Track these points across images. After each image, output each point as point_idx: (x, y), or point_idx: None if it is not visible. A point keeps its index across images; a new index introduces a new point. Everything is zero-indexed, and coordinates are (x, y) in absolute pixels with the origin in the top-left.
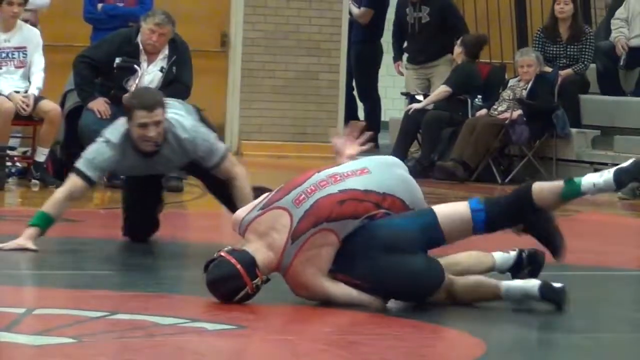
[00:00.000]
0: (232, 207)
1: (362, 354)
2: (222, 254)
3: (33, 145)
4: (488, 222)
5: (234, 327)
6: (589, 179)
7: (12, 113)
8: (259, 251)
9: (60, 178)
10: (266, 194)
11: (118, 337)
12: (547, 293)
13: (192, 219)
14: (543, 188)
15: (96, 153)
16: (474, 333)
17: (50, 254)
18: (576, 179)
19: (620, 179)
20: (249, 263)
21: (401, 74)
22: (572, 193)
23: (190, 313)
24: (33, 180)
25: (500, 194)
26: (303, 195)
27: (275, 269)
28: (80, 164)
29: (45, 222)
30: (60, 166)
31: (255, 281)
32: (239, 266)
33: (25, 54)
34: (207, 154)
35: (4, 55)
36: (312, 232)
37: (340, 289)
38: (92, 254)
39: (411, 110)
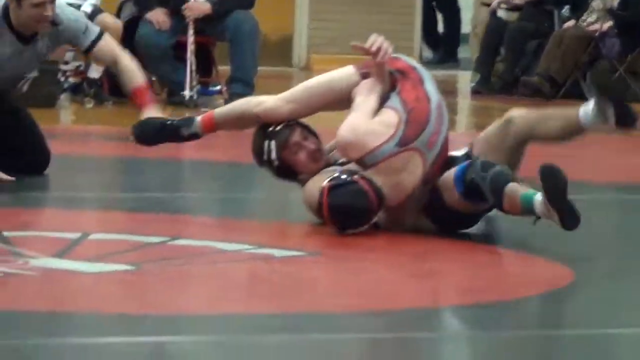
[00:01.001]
0: None
1: (443, 283)
2: (361, 181)
3: (86, 60)
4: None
5: (304, 253)
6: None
7: None
8: (384, 187)
9: (116, 94)
10: (383, 115)
11: (179, 264)
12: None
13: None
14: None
15: None
16: (561, 261)
17: (106, 175)
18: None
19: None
20: (382, 199)
21: None
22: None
23: (257, 238)
24: (86, 98)
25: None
26: (434, 137)
27: (389, 206)
28: None
29: None
30: (117, 81)
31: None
32: (375, 202)
33: None
34: (79, 34)
35: None
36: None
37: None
38: (152, 175)
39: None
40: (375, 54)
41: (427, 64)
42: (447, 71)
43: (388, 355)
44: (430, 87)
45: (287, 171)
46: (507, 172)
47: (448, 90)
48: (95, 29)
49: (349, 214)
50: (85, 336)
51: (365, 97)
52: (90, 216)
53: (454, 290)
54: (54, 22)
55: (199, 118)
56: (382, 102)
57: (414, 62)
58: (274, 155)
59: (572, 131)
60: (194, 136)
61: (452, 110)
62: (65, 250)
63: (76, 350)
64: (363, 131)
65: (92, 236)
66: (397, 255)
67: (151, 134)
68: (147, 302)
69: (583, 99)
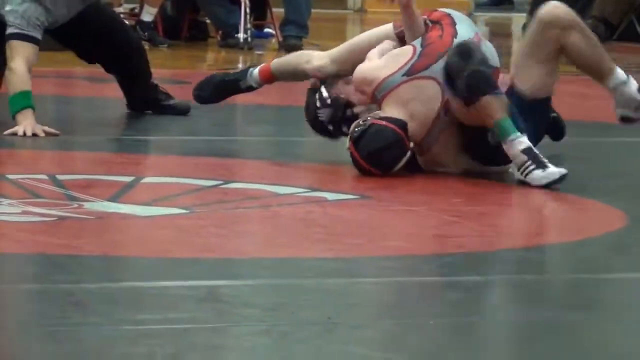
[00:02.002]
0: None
1: (494, 225)
2: (373, 121)
3: (141, 3)
4: None
5: (357, 197)
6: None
7: None
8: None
9: (172, 37)
10: (392, 47)
11: (232, 207)
12: None
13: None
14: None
15: (26, 11)
16: (615, 205)
17: (158, 118)
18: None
19: None
20: (404, 127)
21: None
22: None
23: (310, 182)
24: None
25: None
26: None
27: (416, 140)
28: (18, 29)
29: (32, 100)
30: (172, 24)
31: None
32: (399, 130)
33: None
34: None
35: None
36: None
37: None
38: (204, 118)
39: None
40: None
41: (482, 6)
42: (502, 13)
43: (439, 299)
44: (463, 28)
45: (340, 108)
46: (486, 74)
47: (503, 32)
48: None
49: (382, 154)
50: (139, 280)
51: (407, 24)
52: (144, 160)
53: (504, 233)
54: None
55: (256, 70)
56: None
57: (450, 11)
58: (325, 94)
59: (596, 79)
60: (251, 88)
61: (507, 52)
62: (119, 193)
63: (130, 293)
64: (370, 67)
65: (146, 180)
66: (448, 197)
67: (210, 91)
68: (200, 245)
69: (638, 41)
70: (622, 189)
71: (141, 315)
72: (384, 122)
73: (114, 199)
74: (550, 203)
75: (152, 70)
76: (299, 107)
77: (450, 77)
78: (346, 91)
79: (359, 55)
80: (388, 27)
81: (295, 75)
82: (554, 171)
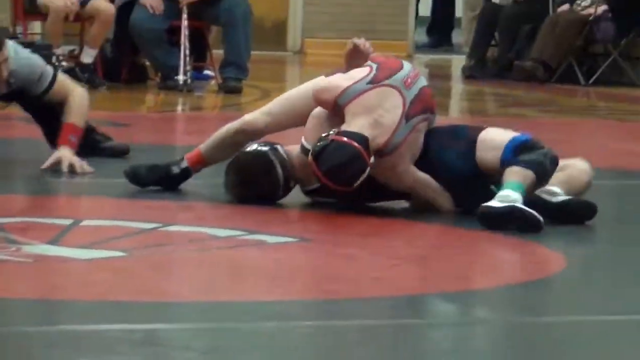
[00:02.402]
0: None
1: (434, 269)
2: (333, 137)
3: (81, 45)
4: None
5: (296, 239)
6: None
7: (61, 13)
8: (364, 128)
9: (110, 79)
10: (355, 70)
11: (171, 250)
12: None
13: None
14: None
15: None
16: (553, 248)
17: (97, 161)
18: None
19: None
20: (364, 141)
21: None
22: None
23: (250, 224)
24: (80, 83)
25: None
26: (409, 80)
27: (378, 148)
28: None
29: None
30: (111, 66)
31: (371, 160)
32: (358, 146)
33: None
34: (33, 83)
35: None
36: (420, 119)
37: (426, 176)
38: (143, 160)
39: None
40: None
41: (421, 48)
42: (441, 55)
43: (379, 342)
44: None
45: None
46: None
47: (442, 74)
48: (48, 74)
49: (341, 170)
50: (77, 323)
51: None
52: (83, 202)
53: (443, 276)
54: (9, 81)
55: (186, 155)
56: None
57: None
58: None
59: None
60: (186, 172)
61: (446, 94)
62: (58, 236)
63: (68, 337)
64: (332, 78)
65: (85, 222)
66: (387, 241)
67: (143, 174)
68: (139, 289)
69: (576, 83)
70: (561, 232)
71: (79, 358)
72: (344, 138)
73: (53, 242)
74: (490, 246)
75: (91, 112)
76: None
77: (519, 150)
78: (296, 166)
79: (292, 108)
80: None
81: (225, 143)
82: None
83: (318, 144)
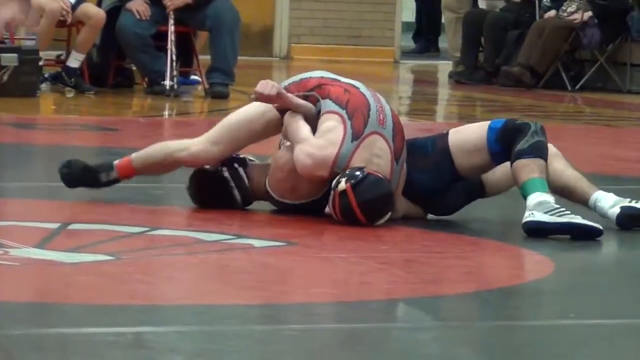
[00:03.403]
0: None
1: (420, 273)
2: (370, 171)
3: (67, 49)
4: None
5: (283, 244)
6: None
7: (57, 15)
8: None
9: (97, 84)
10: (328, 127)
11: (158, 254)
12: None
13: None
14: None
15: None
16: (541, 252)
17: None
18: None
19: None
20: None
21: None
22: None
23: (237, 229)
24: (66, 88)
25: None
26: (380, 114)
27: None
28: None
29: None
30: (98, 71)
31: None
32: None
33: None
34: None
35: None
36: (405, 156)
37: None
38: None
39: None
40: (269, 97)
41: (408, 53)
42: (428, 61)
43: (365, 346)
44: (348, 80)
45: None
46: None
47: (429, 80)
48: None
49: (377, 204)
50: (64, 327)
51: (296, 126)
52: (71, 206)
53: (430, 280)
54: None
55: (116, 162)
56: (314, 117)
57: (320, 73)
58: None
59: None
60: (115, 181)
61: (433, 100)
62: (45, 240)
63: (56, 340)
64: (316, 150)
65: (72, 226)
66: (373, 245)
67: (73, 176)
68: (126, 292)
69: (563, 89)
70: (549, 237)
71: None
72: (380, 175)
73: (40, 245)
74: (477, 250)
75: (78, 116)
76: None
77: (506, 138)
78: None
79: (243, 138)
80: (262, 107)
81: (162, 166)
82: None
83: (356, 173)
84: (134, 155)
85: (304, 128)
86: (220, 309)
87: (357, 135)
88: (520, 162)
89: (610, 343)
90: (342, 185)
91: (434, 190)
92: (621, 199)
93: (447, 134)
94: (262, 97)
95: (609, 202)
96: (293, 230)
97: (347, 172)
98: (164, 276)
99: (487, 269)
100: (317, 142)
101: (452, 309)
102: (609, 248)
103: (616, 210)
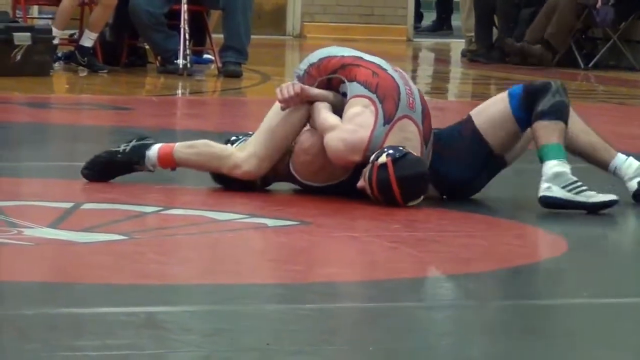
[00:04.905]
0: None
1: (433, 252)
2: (409, 151)
3: (80, 28)
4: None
5: (296, 223)
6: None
7: None
8: None
9: (110, 63)
10: (358, 110)
11: (171, 233)
12: None
13: (251, 107)
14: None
15: None
16: (555, 230)
17: (100, 144)
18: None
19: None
20: None
21: None
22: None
23: (250, 208)
24: (80, 66)
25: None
26: (411, 98)
27: None
28: None
29: None
30: (110, 50)
31: None
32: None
33: None
34: None
35: None
36: (433, 140)
37: None
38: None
39: None
40: (294, 99)
41: (421, 32)
42: (441, 39)
43: (378, 325)
44: (371, 57)
45: None
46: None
47: (442, 58)
48: None
49: (415, 181)
50: (77, 306)
51: (324, 115)
52: (84, 186)
53: (443, 259)
54: None
55: (154, 151)
56: (341, 101)
57: (341, 50)
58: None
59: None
60: (149, 170)
61: (447, 78)
62: (58, 220)
63: (68, 320)
64: (348, 134)
65: (85, 206)
66: (387, 224)
67: (100, 171)
68: (139, 272)
69: (576, 67)
70: (562, 215)
71: (79, 341)
72: (419, 155)
73: (53, 225)
74: (490, 229)
75: (92, 95)
76: (238, 133)
77: (528, 101)
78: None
79: (283, 135)
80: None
81: (210, 168)
82: (604, 195)
83: (399, 148)
84: (177, 147)
85: (331, 116)
86: (233, 288)
87: (389, 119)
88: (541, 124)
89: (623, 322)
90: (383, 158)
91: (462, 180)
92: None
93: (469, 118)
94: (288, 103)
95: (629, 173)
96: (307, 209)
97: (387, 147)
98: (178, 256)
99: (500, 247)
100: (348, 127)
101: (466, 288)
102: (623, 225)
103: (634, 185)
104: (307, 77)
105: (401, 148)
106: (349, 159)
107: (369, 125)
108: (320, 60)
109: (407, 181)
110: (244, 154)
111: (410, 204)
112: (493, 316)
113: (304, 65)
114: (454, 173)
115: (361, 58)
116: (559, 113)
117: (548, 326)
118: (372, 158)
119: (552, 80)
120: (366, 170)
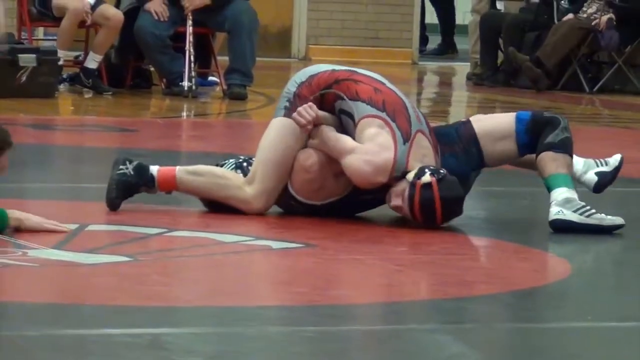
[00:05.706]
0: None
1: (438, 275)
2: (447, 173)
3: (85, 50)
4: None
5: (301, 245)
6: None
7: (80, 15)
8: None
9: (115, 85)
10: (375, 132)
11: (176, 255)
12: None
13: (256, 129)
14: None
15: None
16: (558, 254)
17: (105, 166)
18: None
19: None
20: None
21: None
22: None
23: (255, 230)
24: (85, 88)
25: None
26: (415, 111)
27: None
28: None
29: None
30: (116, 72)
31: None
32: None
33: None
34: None
35: None
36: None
37: None
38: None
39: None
40: (313, 121)
41: (427, 55)
42: (446, 62)
43: (383, 348)
44: (364, 71)
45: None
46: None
47: (448, 82)
48: None
49: (456, 203)
50: (82, 328)
51: (335, 137)
52: (89, 207)
53: (448, 282)
54: None
55: (155, 173)
56: (336, 122)
57: (325, 66)
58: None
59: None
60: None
61: (452, 102)
62: (63, 241)
63: (73, 341)
64: (372, 156)
65: (90, 227)
66: (392, 247)
67: (115, 195)
68: (144, 293)
69: (581, 91)
70: (566, 238)
71: None
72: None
73: (58, 246)
74: (495, 252)
75: (96, 117)
76: (227, 155)
77: (535, 130)
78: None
79: (287, 173)
80: (289, 125)
81: (209, 194)
82: (613, 217)
83: (440, 170)
84: (180, 175)
85: (344, 137)
86: (238, 310)
87: (407, 137)
88: (551, 155)
89: (628, 345)
90: (427, 177)
91: (458, 174)
92: (586, 160)
93: (468, 121)
94: (308, 123)
95: (579, 170)
96: (311, 231)
97: (425, 166)
98: (182, 277)
99: (504, 270)
100: (371, 148)
101: (470, 311)
102: (626, 248)
103: (593, 177)
104: (297, 99)
105: (442, 171)
106: (375, 180)
107: (390, 146)
108: (311, 77)
109: (449, 202)
110: (254, 190)
111: (444, 224)
112: (497, 339)
113: (292, 87)
114: (452, 166)
115: (355, 72)
116: (568, 148)
117: (552, 349)
118: (411, 178)
119: (560, 116)
120: (404, 190)
